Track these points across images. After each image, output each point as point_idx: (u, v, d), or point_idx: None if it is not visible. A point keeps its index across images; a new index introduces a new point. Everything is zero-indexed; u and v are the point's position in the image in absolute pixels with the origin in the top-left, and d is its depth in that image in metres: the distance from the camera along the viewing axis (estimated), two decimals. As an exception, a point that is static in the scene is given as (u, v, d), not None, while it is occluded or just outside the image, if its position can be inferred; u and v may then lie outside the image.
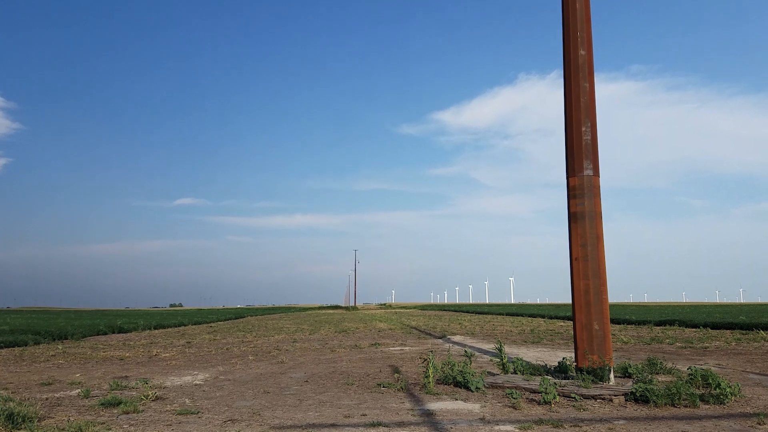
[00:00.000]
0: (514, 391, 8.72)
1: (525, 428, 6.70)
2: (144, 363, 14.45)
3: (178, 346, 20.04)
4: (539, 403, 8.21)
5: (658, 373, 11.10)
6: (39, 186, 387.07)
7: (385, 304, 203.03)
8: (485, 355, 15.75)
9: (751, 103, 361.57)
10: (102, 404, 8.24)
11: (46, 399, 8.99)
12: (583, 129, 10.52)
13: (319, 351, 17.39)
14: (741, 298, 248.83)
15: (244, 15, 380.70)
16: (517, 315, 52.93)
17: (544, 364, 12.50)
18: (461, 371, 9.87)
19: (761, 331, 23.70)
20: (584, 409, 7.84)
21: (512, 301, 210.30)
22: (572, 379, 10.01)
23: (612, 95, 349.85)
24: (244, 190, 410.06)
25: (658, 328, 28.94)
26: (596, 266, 10.19)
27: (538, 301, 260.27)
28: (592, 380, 9.49)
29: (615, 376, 10.28)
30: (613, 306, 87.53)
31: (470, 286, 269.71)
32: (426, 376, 9.72)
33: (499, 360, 11.67)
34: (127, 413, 7.74)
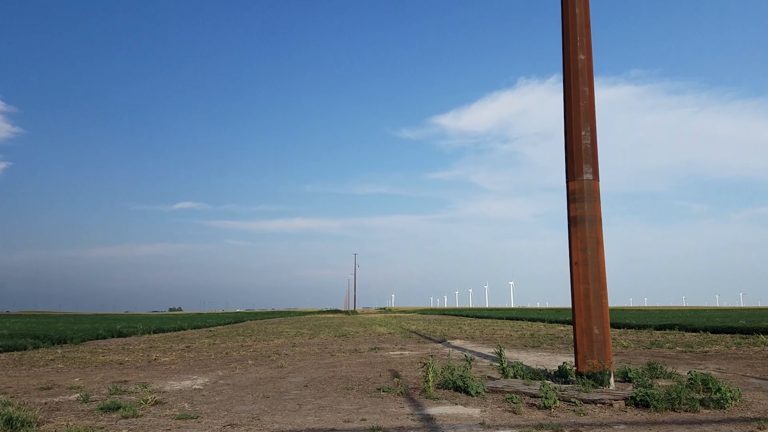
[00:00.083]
0: (514, 395, 8.71)
1: (525, 433, 6.68)
2: (143, 367, 14.42)
3: (178, 350, 20.01)
4: (539, 408, 8.20)
5: (658, 378, 11.09)
6: (39, 190, 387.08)
7: (384, 309, 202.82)
8: (485, 360, 15.72)
9: (750, 108, 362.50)
10: (101, 409, 8.22)
11: (45, 403, 8.96)
12: (583, 133, 10.53)
13: (318, 355, 17.36)
14: (741, 302, 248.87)
15: (243, 19, 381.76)
16: (517, 319, 52.85)
17: (544, 369, 12.49)
18: (461, 376, 9.85)
19: (761, 335, 23.67)
20: (584, 414, 7.83)
21: (512, 306, 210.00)
22: (572, 383, 10.00)
23: (611, 99, 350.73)
24: (244, 194, 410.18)
25: (658, 332, 28.91)
26: (596, 270, 10.19)
27: (538, 305, 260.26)
28: (593, 385, 9.47)
29: (615, 381, 10.26)
30: (613, 310, 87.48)
31: (470, 291, 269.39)
32: (426, 381, 9.71)
33: (499, 364, 11.66)
34: (126, 418, 7.72)
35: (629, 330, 31.66)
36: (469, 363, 11.06)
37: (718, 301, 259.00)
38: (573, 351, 17.77)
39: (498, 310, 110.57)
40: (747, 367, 13.18)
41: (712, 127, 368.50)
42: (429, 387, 9.55)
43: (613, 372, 10.13)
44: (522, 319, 51.55)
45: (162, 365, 14.89)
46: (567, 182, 10.67)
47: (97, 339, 27.20)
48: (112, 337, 28.98)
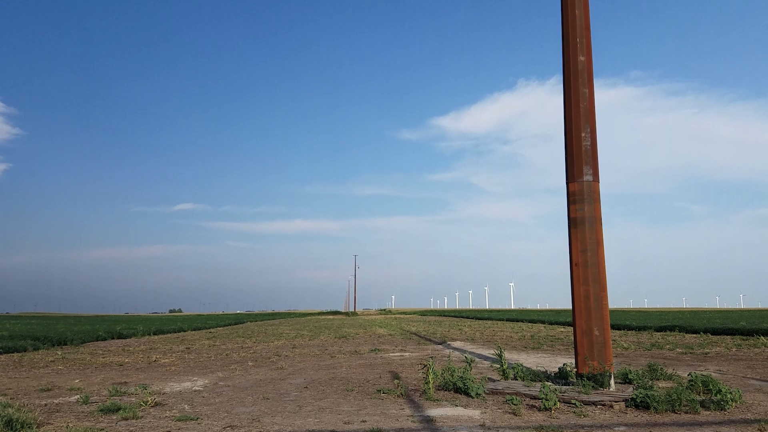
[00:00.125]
0: (514, 397, 8.70)
1: (525, 435, 6.67)
2: (143, 369, 14.42)
3: (178, 351, 20.01)
4: (540, 410, 8.19)
5: (658, 379, 11.08)
6: (39, 191, 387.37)
7: (384, 310, 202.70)
8: (485, 361, 15.72)
9: (750, 109, 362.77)
10: (101, 410, 8.22)
11: (45, 405, 8.96)
12: (583, 135, 10.54)
13: (318, 357, 17.35)
14: (741, 304, 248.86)
15: (243, 20, 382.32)
16: (517, 320, 52.83)
17: (544, 370, 12.48)
18: (461, 377, 9.85)
19: (762, 336, 23.66)
20: (585, 416, 7.82)
21: (512, 307, 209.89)
22: (573, 385, 9.99)
23: (611, 101, 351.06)
24: (243, 195, 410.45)
25: (659, 333, 28.90)
26: (596, 272, 10.19)
27: (539, 307, 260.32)
28: (593, 386, 9.47)
29: (615, 382, 10.26)
30: (614, 312, 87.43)
31: (470, 292, 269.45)
32: (426, 382, 9.70)
33: (499, 366, 11.65)
34: (126, 419, 7.71)
35: (629, 331, 31.65)
36: (470, 364, 11.05)
37: (718, 303, 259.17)
38: (573, 352, 17.76)
39: (498, 311, 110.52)
40: (747, 369, 13.17)
41: (712, 128, 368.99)
42: (429, 388, 9.55)
43: (614, 373, 10.12)
44: (522, 321, 51.54)
45: (162, 367, 14.88)
46: (567, 184, 10.67)
47: (97, 340, 27.19)
48: (112, 338, 28.97)
